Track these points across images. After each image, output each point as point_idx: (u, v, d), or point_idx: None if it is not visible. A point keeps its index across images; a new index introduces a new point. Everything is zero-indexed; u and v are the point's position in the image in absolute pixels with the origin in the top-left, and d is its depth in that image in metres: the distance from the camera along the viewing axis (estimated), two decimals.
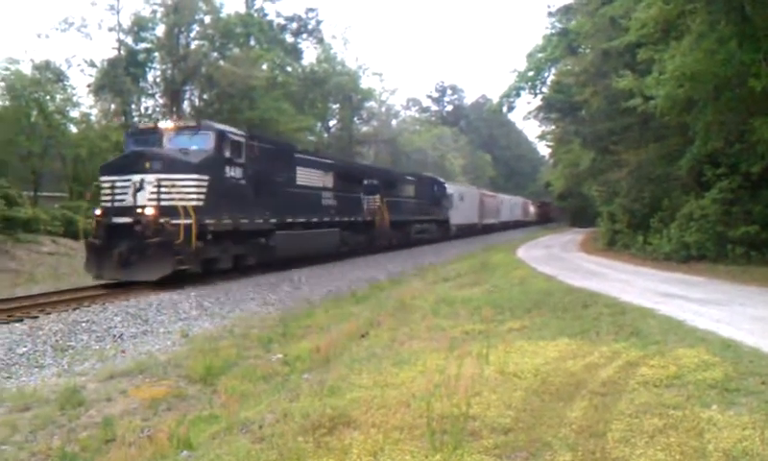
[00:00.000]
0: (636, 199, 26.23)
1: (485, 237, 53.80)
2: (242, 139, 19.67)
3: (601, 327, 9.23)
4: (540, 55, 38.96)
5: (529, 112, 48.75)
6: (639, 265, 20.51)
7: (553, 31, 38.62)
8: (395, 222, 34.43)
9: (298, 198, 22.88)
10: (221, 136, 18.54)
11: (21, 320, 12.32)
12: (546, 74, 39.63)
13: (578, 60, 32.37)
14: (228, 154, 18.66)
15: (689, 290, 13.51)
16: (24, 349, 10.40)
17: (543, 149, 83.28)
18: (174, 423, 6.55)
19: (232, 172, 18.94)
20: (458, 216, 50.42)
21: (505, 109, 44.26)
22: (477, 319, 10.83)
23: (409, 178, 40.64)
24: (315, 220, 24.33)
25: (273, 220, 20.82)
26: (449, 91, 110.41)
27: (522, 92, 40.61)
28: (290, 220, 22.14)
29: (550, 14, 39.89)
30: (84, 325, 12.20)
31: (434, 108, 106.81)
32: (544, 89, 40.32)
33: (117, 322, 12.72)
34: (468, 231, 54.56)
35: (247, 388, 8.00)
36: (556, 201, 78.26)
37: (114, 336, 11.68)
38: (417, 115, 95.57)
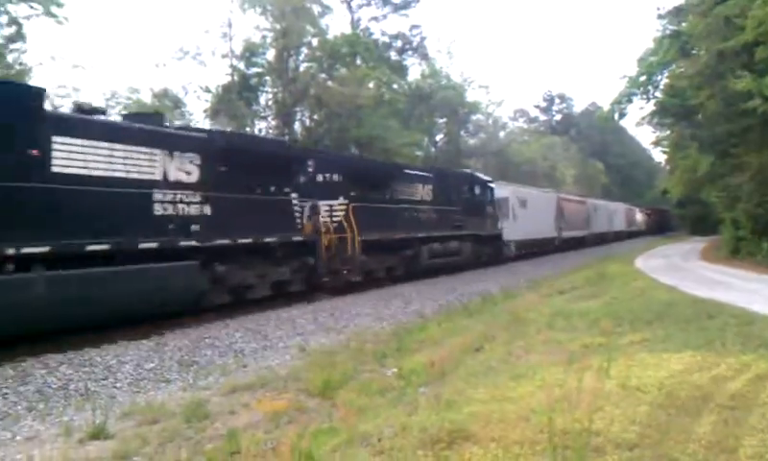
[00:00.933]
0: (760, 203, 25.02)
1: (568, 256, 41.38)
2: None
3: (727, 339, 8.84)
4: (651, 59, 37.78)
5: (642, 118, 47.09)
6: (766, 273, 19.54)
7: (664, 33, 37.42)
8: (374, 243, 21.98)
9: (38, 206, 11.63)
10: None
11: (149, 337, 12.98)
12: (659, 78, 38.33)
13: (692, 62, 31.13)
14: None
15: None
16: (152, 364, 10.92)
17: (659, 155, 79.74)
18: (295, 435, 6.68)
19: None
20: (518, 229, 37.83)
21: (616, 115, 43.04)
22: (596, 332, 10.58)
23: (417, 173, 27.96)
24: (104, 247, 12.68)
25: None
26: (557, 100, 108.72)
27: (634, 98, 39.46)
28: None
29: (660, 17, 38.56)
30: (207, 340, 12.76)
31: (542, 117, 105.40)
32: (657, 94, 39.03)
33: (238, 337, 13.22)
34: (539, 249, 42.24)
35: (364, 402, 8.08)
36: (673, 208, 75.29)
37: (236, 351, 12.09)
38: (525, 126, 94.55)
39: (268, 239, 16.98)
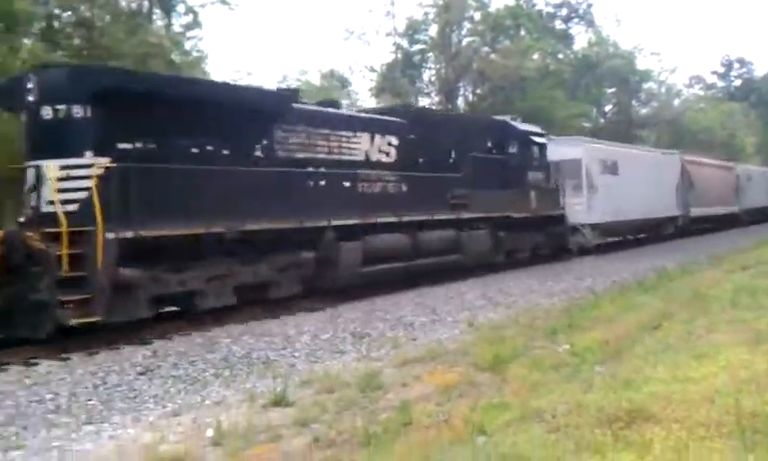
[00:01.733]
0: None
1: (700, 243, 30.28)
2: None
3: None
4: None
5: None
6: None
7: None
8: (186, 241, 11.56)
9: None
10: None
11: (323, 309, 13.52)
12: None
13: None
14: None
15: None
16: (327, 335, 11.38)
17: None
18: (466, 409, 6.70)
19: None
20: (601, 206, 26.31)
21: None
22: None
23: (354, 115, 18.51)
24: None
25: None
26: (737, 64, 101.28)
27: None
28: None
29: None
30: (378, 313, 13.20)
31: (720, 83, 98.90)
32: None
33: (408, 311, 13.54)
34: (646, 234, 32.34)
35: (536, 377, 7.96)
36: None
37: (405, 324, 12.32)
38: (701, 93, 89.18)
39: None
